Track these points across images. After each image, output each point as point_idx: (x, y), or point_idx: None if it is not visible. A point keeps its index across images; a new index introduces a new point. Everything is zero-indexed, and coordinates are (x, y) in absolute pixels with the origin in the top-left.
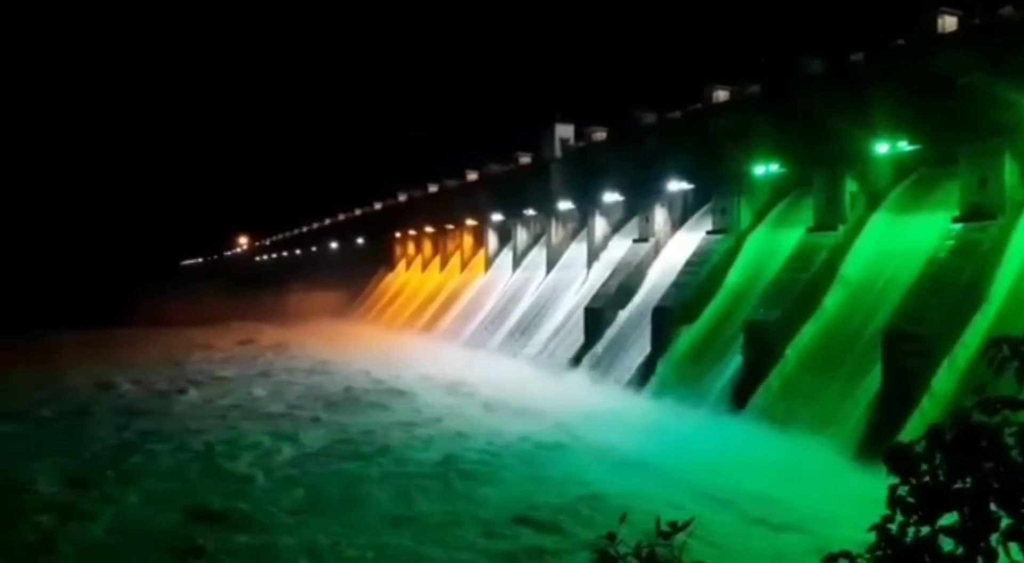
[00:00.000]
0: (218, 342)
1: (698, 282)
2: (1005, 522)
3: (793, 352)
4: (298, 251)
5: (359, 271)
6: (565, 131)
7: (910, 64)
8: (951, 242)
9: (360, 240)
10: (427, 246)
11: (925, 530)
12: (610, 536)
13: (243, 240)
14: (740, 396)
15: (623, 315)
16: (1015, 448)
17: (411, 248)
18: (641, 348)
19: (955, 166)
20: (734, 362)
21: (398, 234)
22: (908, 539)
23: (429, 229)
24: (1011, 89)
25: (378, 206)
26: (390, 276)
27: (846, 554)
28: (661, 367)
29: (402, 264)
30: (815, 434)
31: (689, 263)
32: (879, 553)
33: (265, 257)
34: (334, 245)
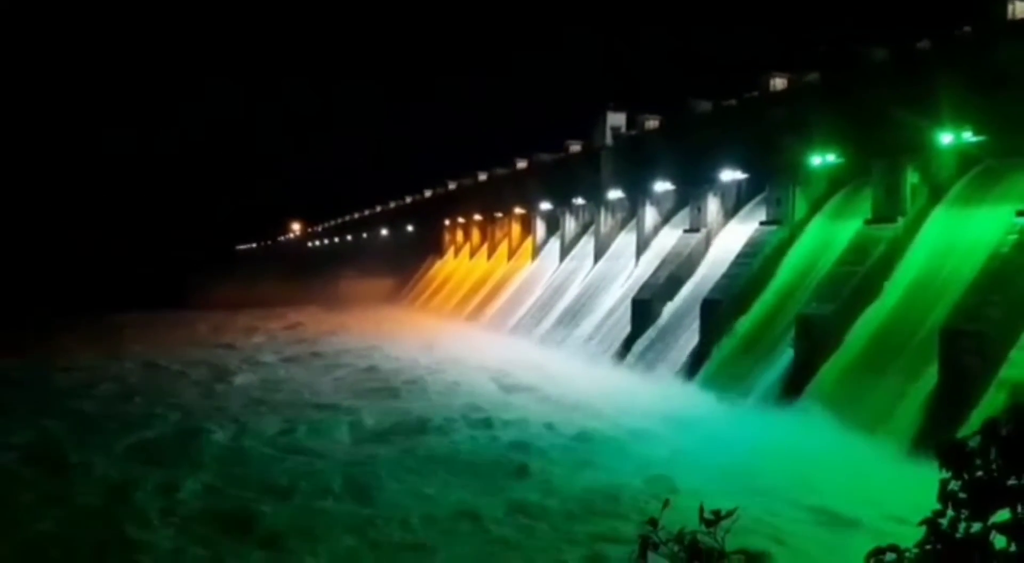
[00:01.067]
0: (266, 325)
1: (750, 274)
2: None
3: (847, 347)
4: (349, 237)
5: (408, 258)
6: (617, 119)
7: (977, 52)
8: (1014, 236)
9: (409, 227)
10: (475, 234)
11: (976, 526)
12: (652, 522)
13: (296, 226)
14: (791, 390)
15: (671, 306)
16: None
17: (459, 236)
18: (689, 340)
19: (1021, 158)
20: (786, 356)
21: (447, 222)
22: (959, 535)
23: (477, 217)
24: None
25: (428, 194)
26: (438, 263)
27: (894, 548)
28: (710, 359)
29: (450, 252)
30: (868, 430)
31: (741, 254)
32: (928, 547)
33: (317, 243)
34: (384, 232)
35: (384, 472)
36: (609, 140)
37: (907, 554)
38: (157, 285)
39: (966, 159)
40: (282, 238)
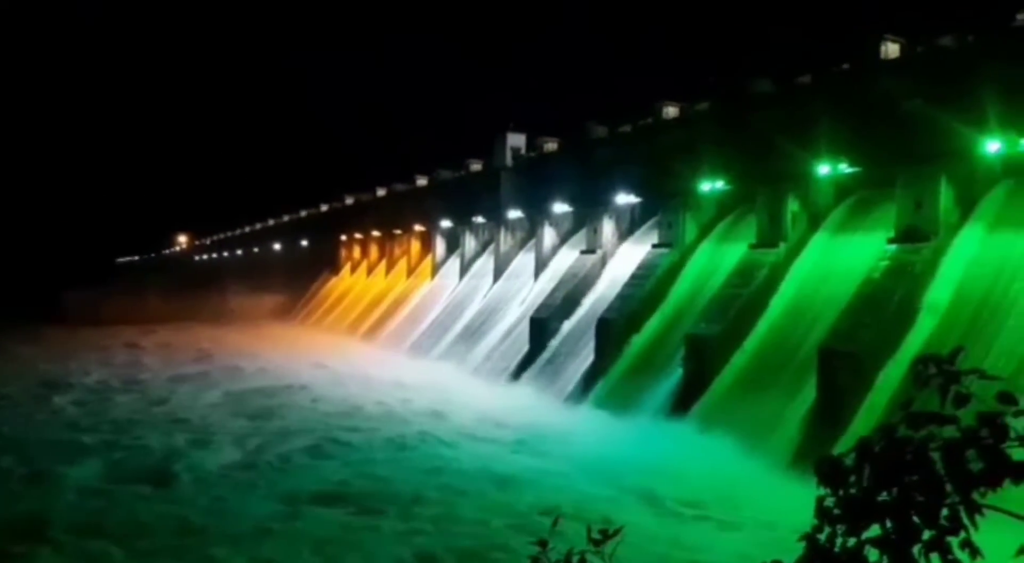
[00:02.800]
0: (144, 342)
1: (643, 295)
2: (927, 534)
3: (733, 366)
4: (239, 251)
5: (302, 274)
6: (517, 140)
7: (853, 88)
8: (886, 262)
9: (304, 242)
10: (373, 250)
11: (852, 541)
12: (542, 543)
13: (182, 238)
14: (680, 407)
15: (568, 325)
16: (938, 462)
17: (356, 252)
18: (585, 358)
19: (893, 189)
20: (676, 374)
21: (344, 237)
22: (836, 549)
23: (376, 233)
24: (949, 116)
25: (324, 208)
26: (334, 280)
27: None
28: (603, 378)
29: (347, 268)
30: (752, 445)
31: (634, 276)
32: None
33: (205, 257)
34: (277, 246)
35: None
36: (509, 160)
37: None
38: (30, 298)
39: (842, 189)
40: (167, 251)
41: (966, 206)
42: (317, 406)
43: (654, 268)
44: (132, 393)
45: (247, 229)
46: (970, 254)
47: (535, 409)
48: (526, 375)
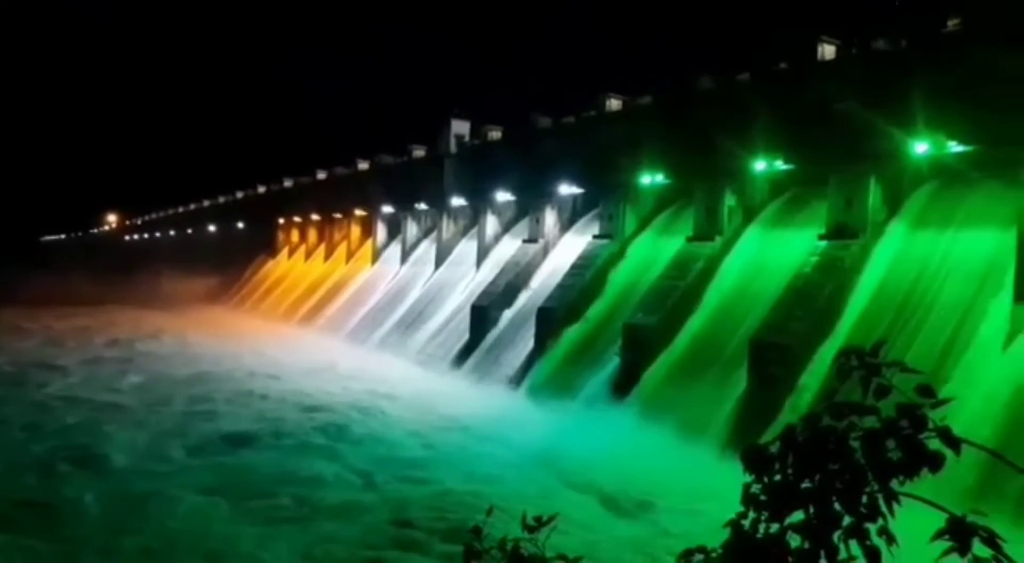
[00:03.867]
0: (66, 324)
1: (583, 284)
2: (847, 520)
3: (669, 355)
4: (172, 233)
5: (237, 257)
6: (461, 127)
7: (790, 88)
8: (816, 258)
9: (240, 224)
10: (312, 234)
11: (775, 527)
12: (475, 530)
13: (112, 218)
14: (617, 395)
15: (509, 314)
16: (859, 451)
17: (295, 235)
18: (525, 346)
19: (825, 186)
20: (613, 363)
21: (281, 220)
22: (760, 535)
23: (315, 217)
24: (880, 118)
25: (262, 190)
26: (271, 263)
27: (702, 549)
28: (542, 365)
29: (284, 251)
30: (686, 432)
31: (575, 266)
32: (733, 548)
33: (136, 237)
34: (212, 228)
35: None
36: (453, 147)
37: (713, 554)
38: None
39: (777, 185)
40: (96, 230)
41: (893, 205)
42: (248, 392)
43: (594, 258)
44: (34, 381)
45: (181, 210)
46: (895, 251)
47: (474, 397)
48: (467, 363)
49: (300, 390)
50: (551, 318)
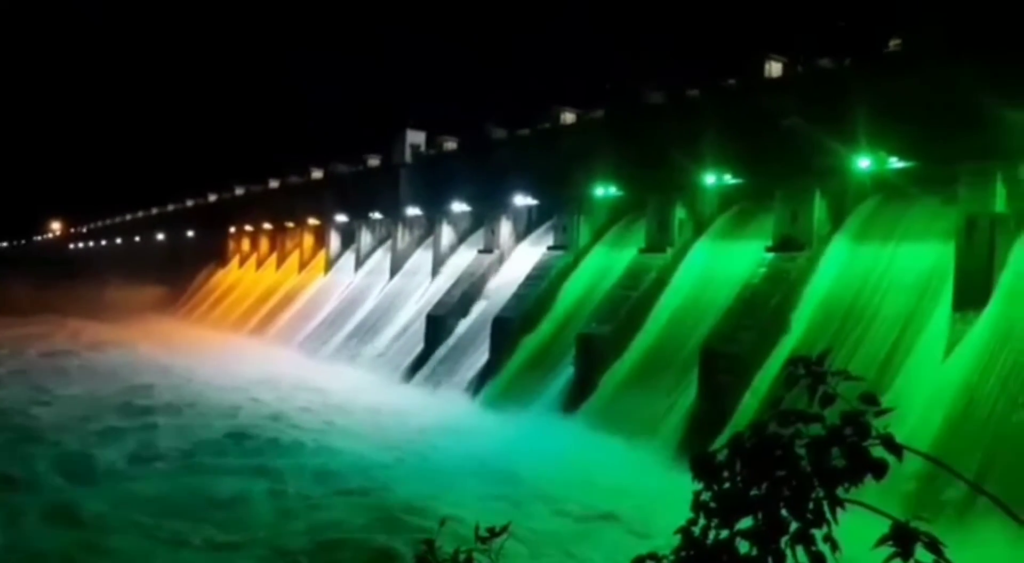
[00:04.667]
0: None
1: (538, 295)
2: (794, 526)
3: (622, 364)
4: (119, 241)
5: (187, 266)
6: (416, 137)
7: (738, 104)
8: (764, 269)
9: (190, 233)
10: (264, 243)
11: (724, 533)
12: (428, 543)
13: (56, 225)
14: (571, 405)
15: (464, 324)
16: (805, 458)
17: (246, 244)
18: (480, 356)
19: (772, 200)
20: (567, 372)
21: (233, 229)
22: (709, 541)
23: (267, 226)
24: (824, 134)
25: (212, 198)
26: (221, 273)
27: (653, 556)
28: (497, 376)
29: (235, 261)
30: (638, 441)
31: (530, 276)
32: (683, 554)
33: (81, 245)
34: (161, 237)
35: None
36: (408, 157)
37: (664, 560)
38: None
39: (726, 199)
40: (39, 238)
41: (837, 219)
42: (190, 405)
43: (549, 269)
44: None
45: (128, 217)
46: (839, 264)
47: (429, 407)
48: (420, 373)
49: (245, 402)
50: (507, 328)
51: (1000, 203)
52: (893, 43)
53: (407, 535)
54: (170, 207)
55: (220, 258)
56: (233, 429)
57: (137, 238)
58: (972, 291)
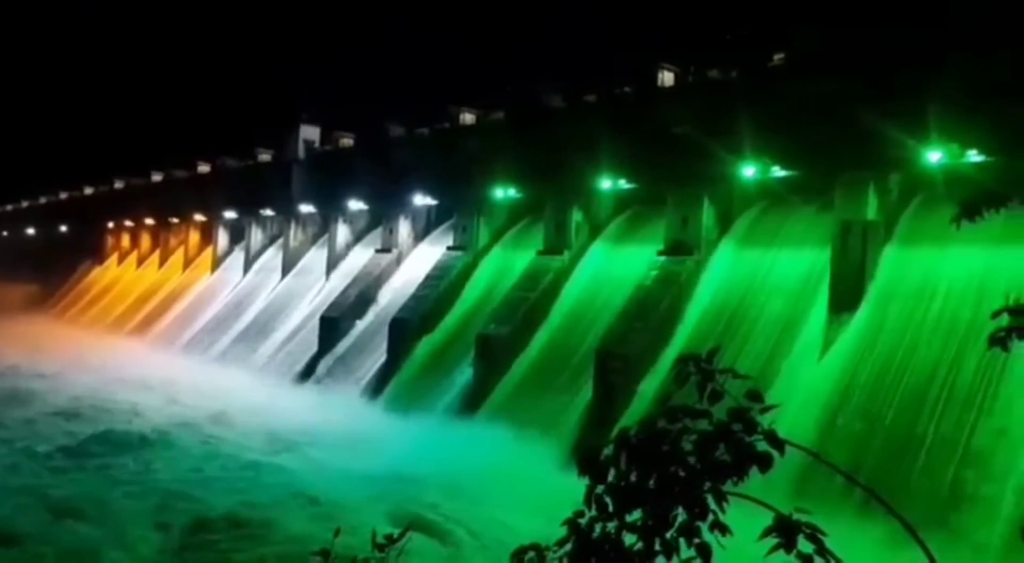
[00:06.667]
0: None
1: (437, 296)
2: (681, 519)
3: (520, 365)
4: None
5: (61, 263)
6: (311, 133)
7: (633, 111)
8: (655, 272)
9: (64, 228)
10: (145, 240)
11: (612, 525)
12: (323, 553)
13: None
14: (470, 406)
15: (361, 325)
16: (692, 453)
17: (126, 241)
18: (378, 358)
19: (664, 205)
20: (466, 374)
21: (111, 224)
22: (596, 534)
23: (149, 221)
24: (713, 142)
25: (89, 191)
26: (99, 270)
27: (535, 546)
28: (396, 378)
29: (113, 258)
30: (537, 439)
31: (429, 277)
32: (568, 546)
33: None
34: (31, 231)
35: None
36: (302, 153)
37: (547, 551)
38: None
39: (621, 203)
40: None
41: (724, 224)
42: (57, 413)
43: (448, 270)
44: None
45: None
46: (726, 267)
47: (322, 411)
48: (314, 375)
49: (117, 408)
50: (405, 329)
51: (872, 211)
52: (777, 57)
53: (301, 546)
54: (42, 200)
55: (98, 255)
56: (94, 439)
57: (5, 233)
58: (846, 294)
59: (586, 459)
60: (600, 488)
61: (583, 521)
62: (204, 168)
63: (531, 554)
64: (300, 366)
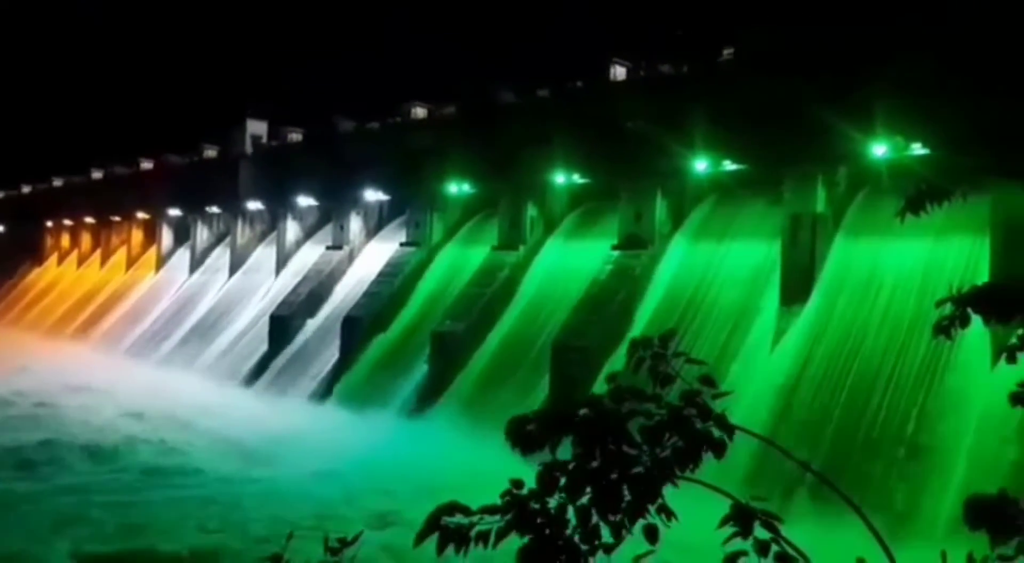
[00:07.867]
0: None
1: (390, 292)
2: (628, 499)
3: (476, 361)
4: None
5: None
6: (258, 128)
7: (586, 106)
8: (610, 266)
9: (1, 228)
10: (86, 239)
11: (553, 502)
12: (275, 558)
13: None
14: (425, 403)
15: (313, 323)
16: (643, 436)
17: (65, 240)
18: (330, 357)
19: (618, 200)
20: (421, 370)
21: (50, 223)
22: (535, 506)
23: (89, 220)
24: (665, 137)
25: (26, 190)
26: (37, 271)
27: (461, 508)
28: (348, 376)
29: (53, 258)
30: (493, 437)
31: (382, 273)
32: (502, 518)
33: None
34: None
35: None
36: (249, 148)
37: (476, 516)
38: None
39: (575, 198)
40: None
41: (677, 218)
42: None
43: (402, 266)
44: None
45: None
46: (679, 261)
47: (272, 412)
48: (265, 376)
49: (53, 415)
50: (358, 327)
51: (821, 204)
52: (726, 53)
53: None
54: None
55: (37, 255)
56: (34, 444)
57: None
58: (796, 286)
59: (514, 432)
60: (546, 470)
61: (521, 493)
62: (147, 165)
63: (458, 516)
64: (250, 367)
